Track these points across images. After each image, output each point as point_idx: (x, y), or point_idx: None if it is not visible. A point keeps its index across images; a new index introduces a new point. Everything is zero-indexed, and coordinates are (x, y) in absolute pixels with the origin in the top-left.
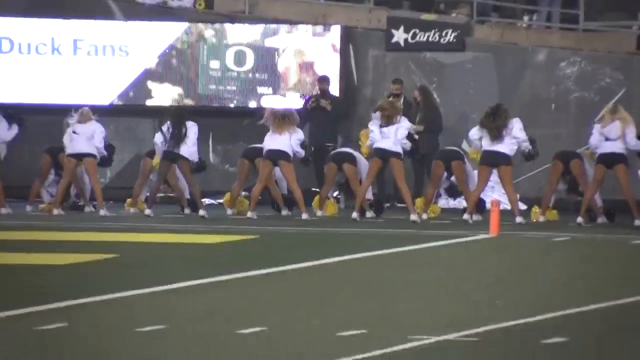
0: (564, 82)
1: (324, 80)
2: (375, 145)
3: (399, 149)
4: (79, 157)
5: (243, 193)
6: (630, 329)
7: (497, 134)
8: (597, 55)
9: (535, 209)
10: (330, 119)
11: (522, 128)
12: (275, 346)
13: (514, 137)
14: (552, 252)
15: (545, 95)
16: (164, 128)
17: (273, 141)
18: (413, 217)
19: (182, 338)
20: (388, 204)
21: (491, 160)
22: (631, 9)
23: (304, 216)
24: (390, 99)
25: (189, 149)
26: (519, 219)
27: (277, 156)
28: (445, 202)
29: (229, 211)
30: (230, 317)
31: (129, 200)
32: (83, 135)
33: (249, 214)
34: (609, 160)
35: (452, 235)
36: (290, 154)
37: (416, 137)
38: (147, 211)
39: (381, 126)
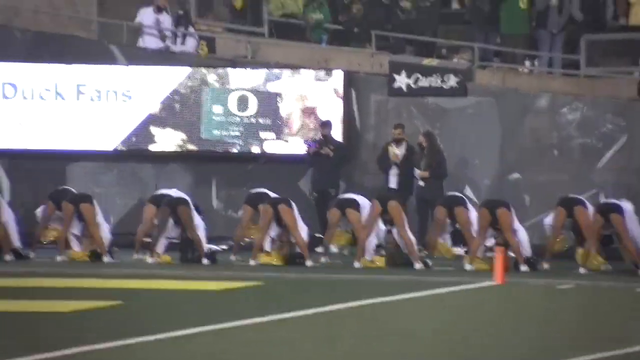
0: (566, 128)
1: (326, 125)
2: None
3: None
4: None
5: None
6: None
7: None
8: (598, 101)
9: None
10: (332, 164)
11: None
12: None
13: None
14: (555, 300)
15: (548, 140)
16: None
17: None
18: (417, 265)
19: None
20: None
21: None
22: (632, 54)
23: (308, 263)
24: (392, 144)
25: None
26: (523, 268)
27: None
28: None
29: (252, 262)
30: None
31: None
32: None
33: (252, 262)
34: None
35: (456, 282)
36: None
37: (421, 183)
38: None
39: None
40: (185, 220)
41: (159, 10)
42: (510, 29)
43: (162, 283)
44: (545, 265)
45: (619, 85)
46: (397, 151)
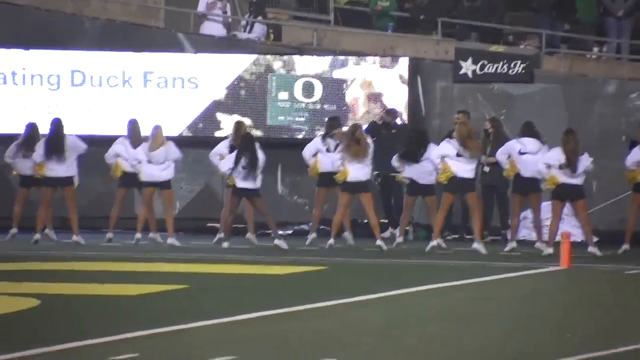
0: (634, 114)
1: (390, 113)
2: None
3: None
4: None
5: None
6: None
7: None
8: None
9: None
10: (399, 147)
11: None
12: None
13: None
14: (624, 285)
15: (615, 127)
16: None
17: (353, 170)
18: (483, 251)
19: None
20: (456, 235)
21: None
22: None
23: (379, 242)
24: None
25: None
26: (592, 249)
27: (357, 188)
28: (527, 233)
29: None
30: (298, 348)
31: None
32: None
33: (331, 241)
34: None
35: (523, 268)
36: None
37: (487, 169)
38: (225, 244)
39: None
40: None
41: None
42: (580, 12)
43: (228, 267)
44: (625, 246)
45: None
46: None
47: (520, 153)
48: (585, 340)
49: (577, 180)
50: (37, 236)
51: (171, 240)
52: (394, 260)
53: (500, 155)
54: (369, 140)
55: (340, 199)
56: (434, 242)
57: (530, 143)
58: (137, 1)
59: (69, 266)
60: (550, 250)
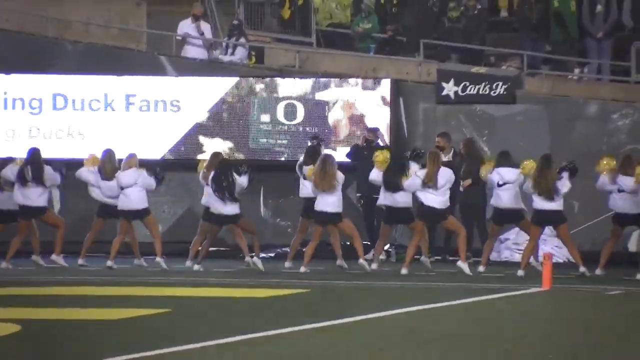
0: (616, 134)
1: (372, 131)
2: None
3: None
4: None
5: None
6: None
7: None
8: None
9: None
10: None
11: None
12: None
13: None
14: (605, 306)
15: (598, 147)
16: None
17: (322, 201)
18: (403, 270)
19: None
20: (439, 257)
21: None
22: None
23: (361, 261)
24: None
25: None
26: (582, 269)
27: (328, 220)
28: (509, 254)
29: (303, 269)
30: None
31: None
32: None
33: (302, 269)
34: None
35: (505, 289)
36: (341, 210)
37: (461, 189)
38: (196, 267)
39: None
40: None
41: (196, 19)
42: (561, 35)
43: (210, 290)
44: (599, 272)
45: None
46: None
47: (499, 185)
48: None
49: (556, 206)
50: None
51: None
52: (376, 282)
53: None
54: (336, 171)
55: (315, 229)
56: (404, 271)
57: (507, 173)
58: (118, 24)
59: (50, 291)
60: (521, 273)
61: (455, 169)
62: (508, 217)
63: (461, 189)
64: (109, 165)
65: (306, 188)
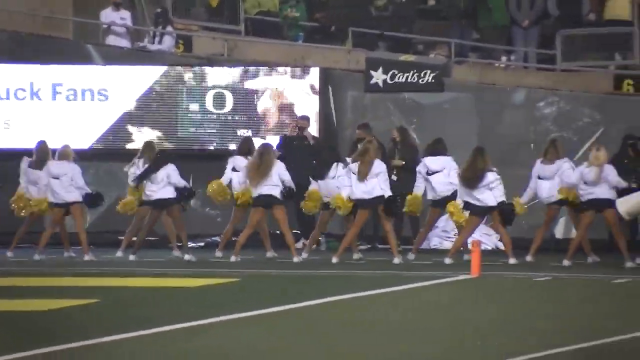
0: (542, 122)
1: (304, 119)
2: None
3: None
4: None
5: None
6: None
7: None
8: (574, 95)
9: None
10: (310, 156)
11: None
12: None
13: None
14: (533, 292)
15: (525, 134)
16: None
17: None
18: (396, 260)
19: None
20: (369, 245)
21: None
22: (608, 49)
23: (295, 259)
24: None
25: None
26: (512, 261)
27: (268, 202)
28: (438, 242)
29: (233, 258)
30: None
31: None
32: (64, 179)
33: (233, 258)
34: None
35: (434, 277)
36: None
37: (394, 178)
38: (132, 257)
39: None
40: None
41: (116, 7)
42: (489, 21)
43: (140, 280)
44: (529, 258)
45: (594, 79)
46: None
47: (428, 174)
48: (494, 347)
49: (485, 197)
50: None
51: (88, 257)
52: (305, 271)
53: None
54: (275, 161)
55: (251, 217)
56: (335, 259)
57: (433, 162)
58: (44, 12)
59: None
60: (449, 261)
61: (388, 158)
62: (444, 202)
63: (394, 177)
64: (41, 155)
65: (237, 177)
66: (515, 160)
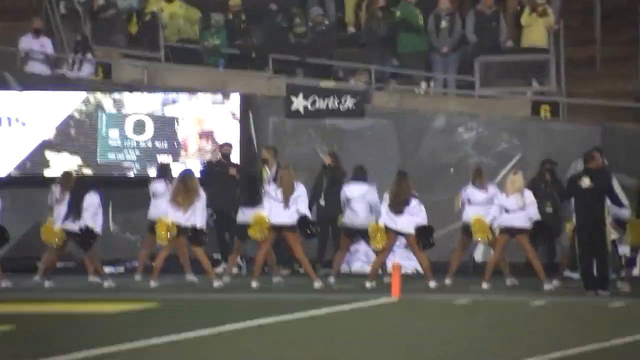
0: (462, 147)
1: (227, 146)
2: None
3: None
4: None
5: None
6: None
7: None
8: (493, 120)
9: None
10: (234, 184)
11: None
12: None
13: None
14: (452, 316)
15: (445, 160)
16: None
17: (178, 214)
18: (316, 284)
19: None
20: (289, 270)
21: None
22: (525, 75)
23: (216, 284)
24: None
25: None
26: (432, 284)
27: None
28: (360, 266)
29: (153, 283)
30: None
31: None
32: None
33: (152, 283)
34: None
35: (356, 299)
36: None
37: (322, 202)
38: (47, 283)
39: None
40: None
41: (37, 34)
42: (408, 48)
43: (58, 306)
44: (447, 281)
45: (512, 104)
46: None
47: (348, 200)
48: None
49: (406, 223)
50: None
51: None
52: (225, 295)
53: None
54: (199, 188)
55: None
56: (254, 284)
57: (353, 190)
58: None
59: None
60: (373, 284)
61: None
62: (357, 233)
63: (322, 202)
64: None
65: (155, 208)
66: (435, 185)
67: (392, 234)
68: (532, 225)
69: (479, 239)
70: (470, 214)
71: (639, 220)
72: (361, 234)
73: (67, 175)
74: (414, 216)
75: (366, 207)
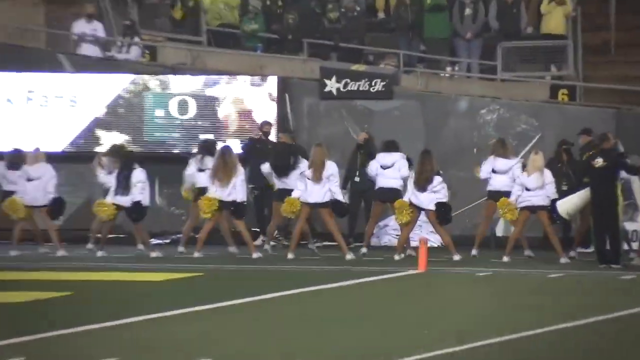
0: (484, 128)
1: (267, 124)
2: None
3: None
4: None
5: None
6: (543, 357)
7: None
8: (514, 103)
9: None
10: (274, 158)
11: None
12: None
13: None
14: (475, 286)
15: (468, 139)
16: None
17: (219, 190)
18: (348, 256)
19: None
20: (319, 243)
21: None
22: (544, 61)
23: (255, 255)
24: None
25: (134, 197)
26: (456, 257)
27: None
28: (388, 240)
29: (197, 254)
30: (177, 348)
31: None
32: (38, 182)
33: (196, 254)
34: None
35: (384, 272)
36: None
37: (357, 179)
38: (100, 253)
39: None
40: None
41: (89, 19)
42: (434, 33)
43: (111, 275)
44: (474, 251)
45: (532, 88)
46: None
47: (382, 167)
48: (441, 337)
49: (428, 200)
50: None
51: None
52: (263, 266)
53: (370, 171)
54: (237, 163)
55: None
56: (290, 255)
57: (388, 158)
58: (18, 24)
59: None
60: (401, 257)
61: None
62: (388, 196)
63: (357, 179)
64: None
65: (199, 178)
66: (459, 163)
67: (415, 209)
68: (549, 203)
69: (509, 219)
70: (495, 183)
71: None
72: (391, 200)
73: (116, 148)
74: (436, 193)
75: (398, 175)
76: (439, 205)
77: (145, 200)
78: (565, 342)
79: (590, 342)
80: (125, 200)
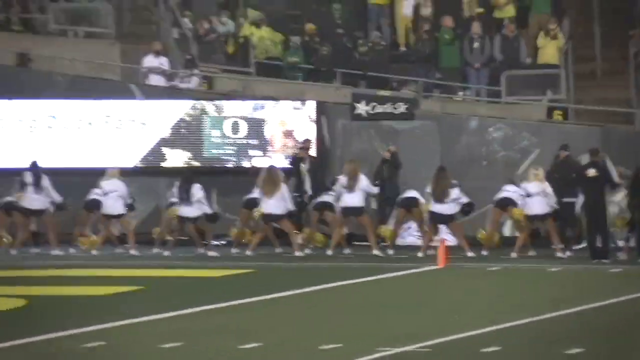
0: (492, 144)
1: (307, 141)
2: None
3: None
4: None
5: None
6: (549, 340)
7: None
8: (516, 122)
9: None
10: (311, 172)
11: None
12: (271, 357)
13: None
14: (487, 279)
15: (478, 153)
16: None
17: (267, 205)
18: (379, 253)
19: (196, 352)
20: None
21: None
22: (541, 86)
23: (298, 254)
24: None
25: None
26: (470, 254)
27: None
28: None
29: (249, 252)
30: (233, 335)
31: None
32: (115, 194)
33: (248, 252)
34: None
35: (409, 267)
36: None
37: (378, 188)
38: (166, 252)
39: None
40: None
41: (157, 54)
42: (448, 64)
43: (175, 271)
44: (484, 252)
45: (531, 109)
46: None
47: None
48: (469, 321)
49: (447, 209)
50: None
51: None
52: (308, 263)
53: None
54: (282, 180)
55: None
56: (329, 252)
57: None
58: (97, 59)
59: (51, 273)
60: (423, 255)
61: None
62: (409, 203)
63: (378, 188)
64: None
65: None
66: (470, 174)
67: (434, 216)
68: (552, 210)
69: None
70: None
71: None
72: (413, 205)
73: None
74: (459, 200)
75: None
76: (464, 205)
77: (208, 209)
78: (579, 323)
79: (595, 322)
80: (187, 211)
